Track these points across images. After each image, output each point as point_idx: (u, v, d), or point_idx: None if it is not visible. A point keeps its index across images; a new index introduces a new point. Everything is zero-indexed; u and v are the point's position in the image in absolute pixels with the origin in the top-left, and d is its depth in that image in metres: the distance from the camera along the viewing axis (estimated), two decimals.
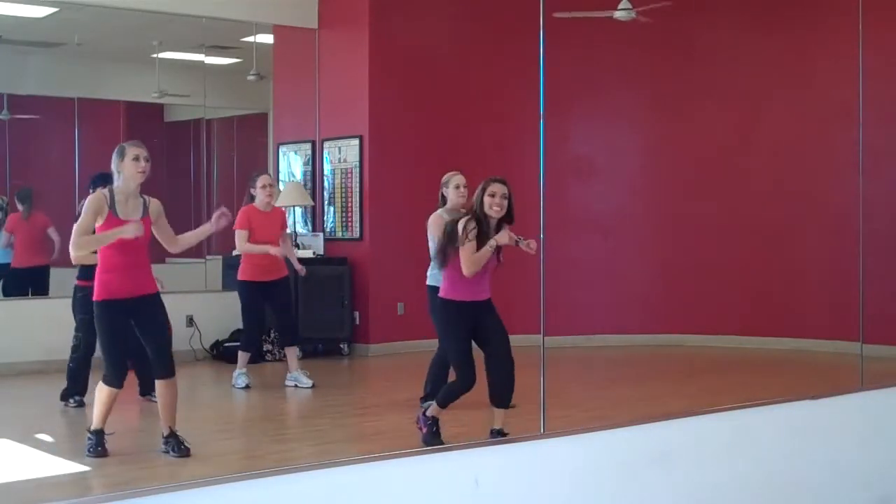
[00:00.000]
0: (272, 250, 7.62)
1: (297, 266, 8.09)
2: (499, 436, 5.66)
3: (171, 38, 10.58)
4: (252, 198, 7.88)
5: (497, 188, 5.68)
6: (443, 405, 5.76)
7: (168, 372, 5.60)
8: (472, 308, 5.74)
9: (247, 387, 7.74)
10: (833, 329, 8.80)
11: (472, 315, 5.74)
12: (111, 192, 5.56)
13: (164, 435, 5.60)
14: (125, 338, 5.59)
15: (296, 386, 7.77)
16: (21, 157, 10.34)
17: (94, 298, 5.57)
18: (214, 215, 5.81)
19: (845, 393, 5.89)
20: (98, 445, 5.54)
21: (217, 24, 9.93)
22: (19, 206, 9.44)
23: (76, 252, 5.60)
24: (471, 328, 5.74)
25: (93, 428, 5.57)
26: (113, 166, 5.62)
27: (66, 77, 10.36)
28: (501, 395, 5.76)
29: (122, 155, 5.57)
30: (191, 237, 5.90)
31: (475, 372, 5.70)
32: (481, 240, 5.65)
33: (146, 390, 6.84)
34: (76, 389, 6.90)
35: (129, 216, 5.54)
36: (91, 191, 7.10)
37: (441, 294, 5.80)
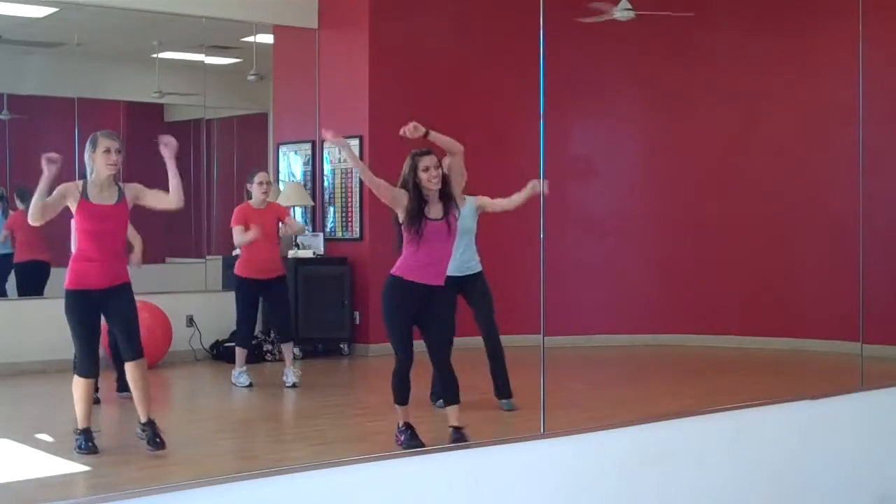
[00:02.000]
0: (252, 234, 7.70)
1: (296, 225, 8.40)
2: (457, 435, 5.60)
3: (171, 38, 10.57)
4: (249, 195, 7.96)
5: (429, 160, 5.67)
6: (402, 401, 5.69)
7: (137, 353, 5.58)
8: (420, 290, 5.64)
9: (249, 385, 7.75)
10: (833, 329, 8.79)
11: (418, 298, 5.64)
12: (84, 182, 5.53)
13: (142, 422, 5.59)
14: (96, 326, 5.56)
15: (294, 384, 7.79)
16: (21, 156, 10.33)
17: (67, 286, 5.52)
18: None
19: (845, 393, 5.89)
20: (88, 441, 5.53)
21: (217, 24, 9.93)
22: (20, 205, 9.45)
23: (31, 219, 5.43)
24: (413, 311, 5.64)
25: (80, 427, 5.57)
26: (86, 156, 5.57)
27: (66, 77, 10.35)
28: (445, 391, 5.76)
29: (94, 146, 5.53)
30: (173, 182, 5.60)
31: (412, 350, 5.66)
32: (414, 213, 5.61)
33: (124, 387, 6.81)
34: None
35: (105, 202, 5.52)
36: None
37: (392, 271, 5.72)
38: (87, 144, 5.57)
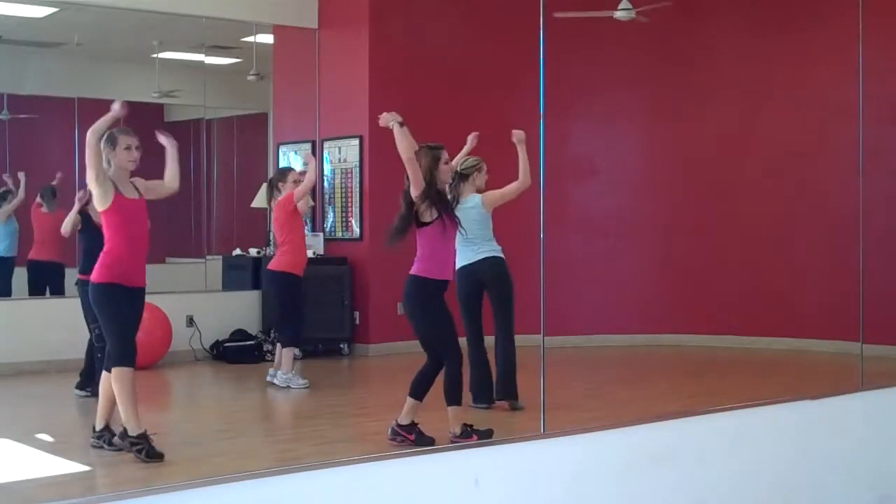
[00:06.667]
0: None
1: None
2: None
3: (171, 38, 10.58)
4: (278, 191, 7.91)
5: (446, 155, 5.82)
6: (422, 397, 5.71)
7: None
8: (445, 287, 5.72)
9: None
10: (833, 329, 8.79)
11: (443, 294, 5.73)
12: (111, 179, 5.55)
13: (100, 429, 5.57)
14: (132, 317, 5.53)
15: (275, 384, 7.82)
16: (21, 157, 10.32)
17: (99, 280, 5.48)
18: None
19: (845, 393, 5.89)
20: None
21: (217, 24, 9.93)
22: (43, 204, 9.40)
23: (98, 188, 5.44)
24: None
25: (139, 432, 5.43)
26: (104, 155, 5.55)
27: (66, 77, 10.35)
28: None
29: (113, 143, 5.53)
30: (171, 166, 5.75)
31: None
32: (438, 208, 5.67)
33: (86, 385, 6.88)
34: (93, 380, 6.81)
35: (131, 195, 5.55)
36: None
37: (421, 273, 5.69)
38: (104, 143, 5.54)
